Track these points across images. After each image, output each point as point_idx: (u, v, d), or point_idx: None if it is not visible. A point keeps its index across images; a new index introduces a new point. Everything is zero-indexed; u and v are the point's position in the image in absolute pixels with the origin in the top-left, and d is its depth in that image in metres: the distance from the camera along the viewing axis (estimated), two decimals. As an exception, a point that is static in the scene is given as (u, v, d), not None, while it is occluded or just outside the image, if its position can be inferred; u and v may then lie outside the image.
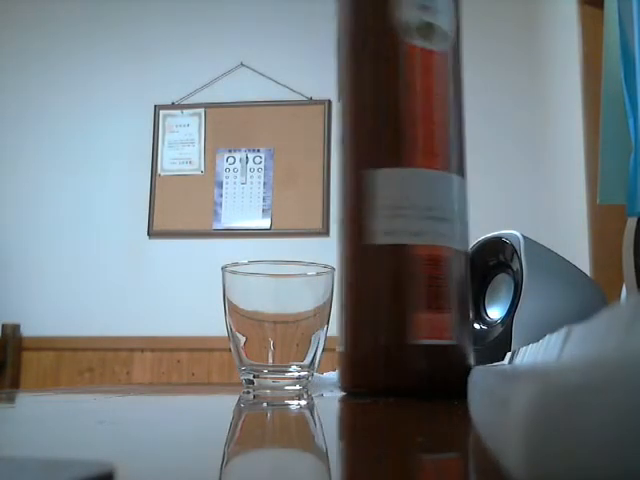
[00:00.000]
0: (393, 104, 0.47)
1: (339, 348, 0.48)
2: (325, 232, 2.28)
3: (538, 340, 0.30)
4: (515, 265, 0.65)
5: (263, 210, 2.35)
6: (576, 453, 0.10)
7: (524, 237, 0.65)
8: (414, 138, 0.47)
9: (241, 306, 0.52)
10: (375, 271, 0.46)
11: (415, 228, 0.46)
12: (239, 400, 0.47)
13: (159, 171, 2.42)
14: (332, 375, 0.62)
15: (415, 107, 0.47)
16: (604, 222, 1.57)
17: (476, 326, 0.67)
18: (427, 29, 0.48)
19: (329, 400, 0.47)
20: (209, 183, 2.39)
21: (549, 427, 0.11)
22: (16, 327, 2.35)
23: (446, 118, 0.48)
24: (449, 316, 0.46)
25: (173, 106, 2.46)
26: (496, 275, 0.69)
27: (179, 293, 2.31)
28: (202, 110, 2.44)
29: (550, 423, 0.11)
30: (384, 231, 0.46)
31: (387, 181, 0.46)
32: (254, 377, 0.51)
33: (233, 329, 0.52)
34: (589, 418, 0.10)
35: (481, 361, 0.52)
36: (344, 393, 0.48)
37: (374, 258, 0.46)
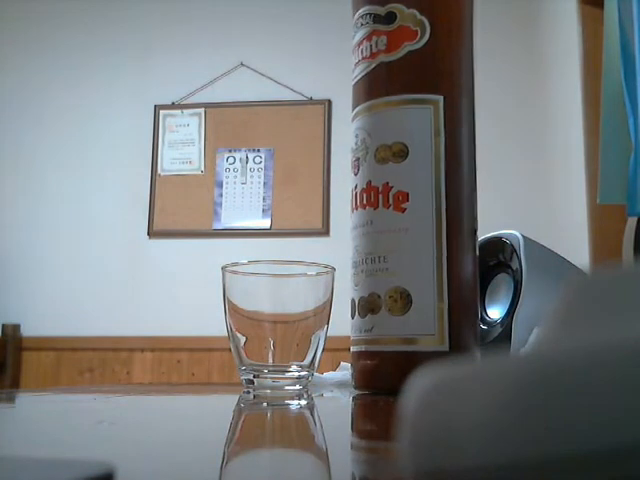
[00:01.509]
0: None
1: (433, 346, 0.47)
2: (325, 232, 2.28)
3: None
4: (515, 265, 0.65)
5: (263, 210, 2.35)
6: (452, 439, 0.11)
7: (524, 237, 0.65)
8: None
9: (241, 306, 0.52)
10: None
11: None
12: (239, 400, 0.47)
13: (159, 171, 2.42)
14: (332, 375, 0.62)
15: None
16: (604, 222, 1.57)
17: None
18: None
19: (330, 400, 0.47)
20: (209, 183, 2.39)
21: (429, 413, 0.12)
22: (16, 327, 2.35)
23: None
24: None
25: (173, 106, 2.46)
26: (496, 275, 0.68)
27: (179, 293, 2.31)
28: (202, 110, 2.44)
29: (429, 410, 0.12)
30: None
31: None
32: (254, 377, 0.50)
33: (233, 329, 0.52)
34: (463, 406, 0.11)
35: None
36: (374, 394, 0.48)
37: None
